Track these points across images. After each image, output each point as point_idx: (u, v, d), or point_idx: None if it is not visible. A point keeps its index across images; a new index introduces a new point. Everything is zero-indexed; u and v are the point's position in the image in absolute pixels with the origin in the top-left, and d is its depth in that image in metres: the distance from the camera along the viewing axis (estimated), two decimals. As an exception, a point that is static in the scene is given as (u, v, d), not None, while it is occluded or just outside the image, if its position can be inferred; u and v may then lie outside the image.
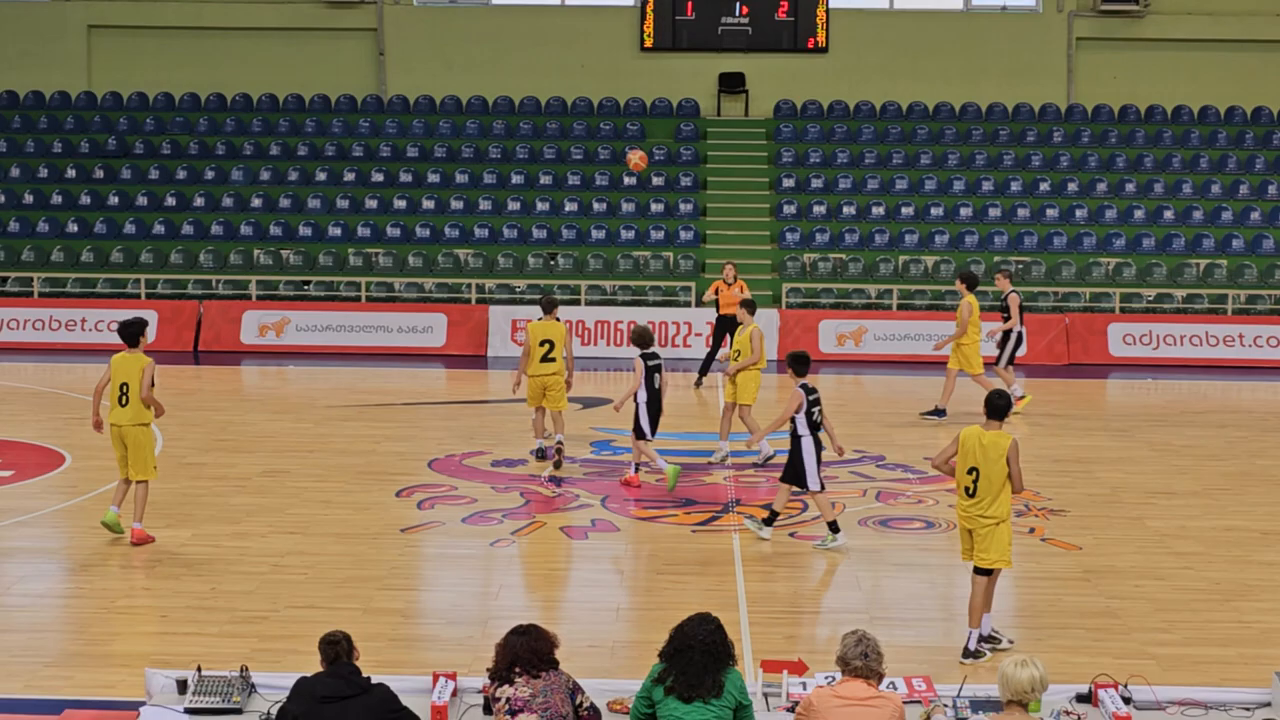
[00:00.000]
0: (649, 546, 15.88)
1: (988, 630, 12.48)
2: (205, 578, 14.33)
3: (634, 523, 16.80)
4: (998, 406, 12.38)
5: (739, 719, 8.54)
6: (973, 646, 12.27)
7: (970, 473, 12.20)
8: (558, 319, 20.11)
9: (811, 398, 15.66)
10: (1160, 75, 38.34)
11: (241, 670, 9.42)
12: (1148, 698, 9.33)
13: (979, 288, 24.15)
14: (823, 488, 15.73)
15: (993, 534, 12.18)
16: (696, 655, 8.49)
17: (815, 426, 15.65)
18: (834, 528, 15.68)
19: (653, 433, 18.37)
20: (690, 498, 17.97)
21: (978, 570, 12.32)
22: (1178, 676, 11.36)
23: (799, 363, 15.90)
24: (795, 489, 15.93)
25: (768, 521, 16.10)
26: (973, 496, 12.20)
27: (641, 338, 18.67)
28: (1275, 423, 23.74)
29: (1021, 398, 24.09)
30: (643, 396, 18.36)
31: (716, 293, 26.92)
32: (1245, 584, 14.61)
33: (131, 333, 15.72)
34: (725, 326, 26.91)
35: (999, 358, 24.27)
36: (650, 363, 18.45)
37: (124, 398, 15.51)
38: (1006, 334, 24.27)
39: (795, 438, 15.65)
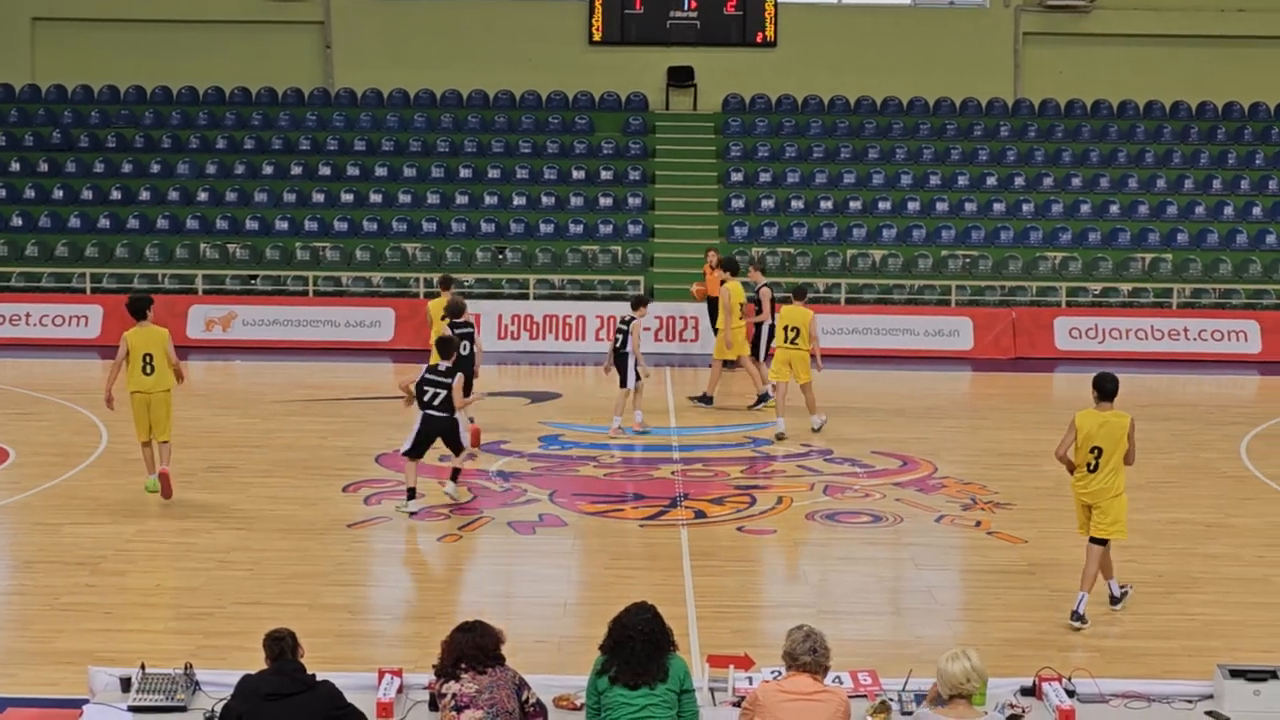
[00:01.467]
0: (596, 541, 15.87)
1: (1118, 591, 13.66)
2: (150, 574, 14.25)
3: (581, 517, 16.78)
4: (1108, 389, 13.22)
5: (682, 703, 8.60)
6: (1081, 610, 13.07)
7: (1093, 451, 13.18)
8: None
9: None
10: (1106, 70, 38.53)
11: (185, 668, 9.36)
12: (1091, 690, 9.38)
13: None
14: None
15: (1113, 505, 13.27)
16: (638, 645, 8.56)
17: None
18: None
19: (467, 394, 18.02)
20: (639, 492, 17.98)
21: (1095, 540, 13.32)
22: (1121, 669, 11.43)
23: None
24: None
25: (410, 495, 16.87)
26: (1094, 472, 13.23)
27: (453, 310, 20.01)
28: (1219, 416, 23.91)
29: (766, 398, 23.45)
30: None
31: (704, 279, 27.41)
32: (1189, 576, 14.71)
33: (139, 307, 17.15)
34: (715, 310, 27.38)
35: (752, 351, 24.26)
36: (459, 331, 19.42)
37: (148, 367, 16.91)
38: (759, 327, 24.38)
39: None
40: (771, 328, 23.83)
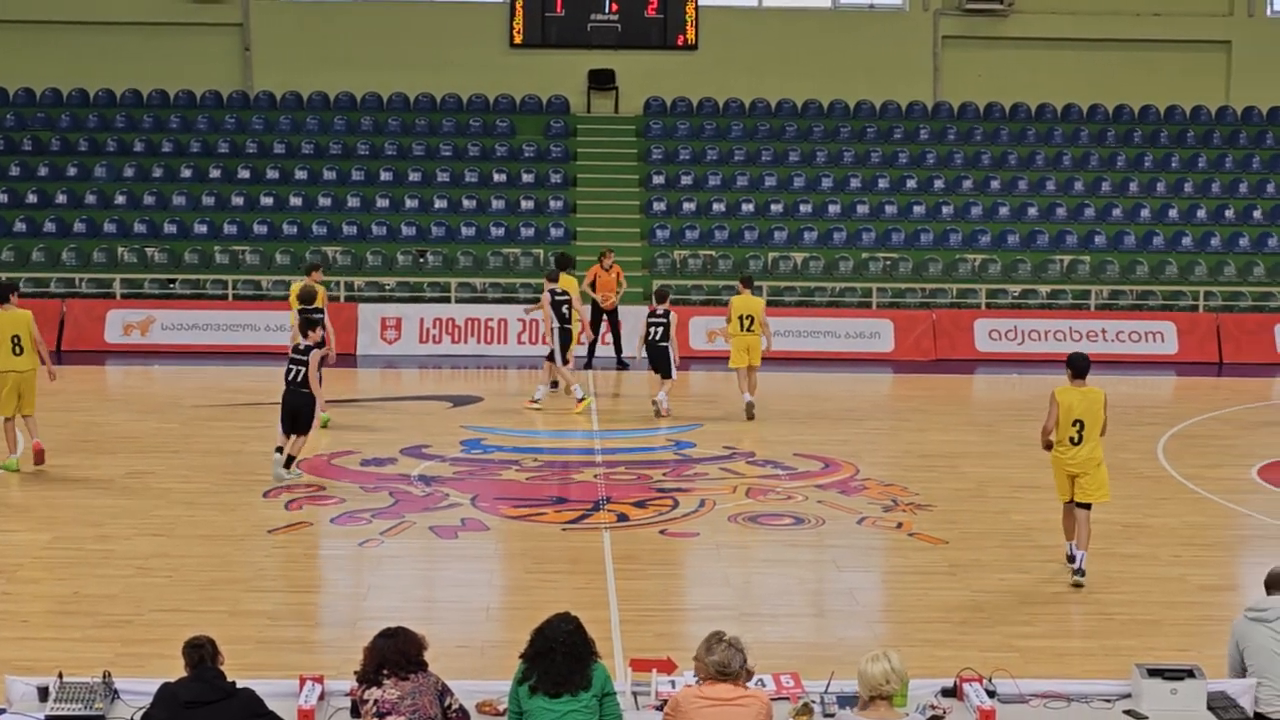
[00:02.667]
0: (519, 545, 15.84)
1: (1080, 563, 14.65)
2: (67, 582, 14.10)
3: (504, 521, 16.75)
4: (1081, 367, 14.60)
5: (604, 706, 8.62)
6: (1082, 565, 14.52)
7: (1075, 425, 14.45)
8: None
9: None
10: (1024, 74, 38.80)
11: (104, 676, 9.26)
12: (1011, 690, 9.43)
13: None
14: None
15: (1097, 473, 14.57)
16: (559, 657, 8.55)
17: None
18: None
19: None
20: (561, 496, 17.97)
21: (1080, 505, 14.62)
22: (1041, 669, 11.51)
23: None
24: None
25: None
26: (1078, 444, 14.48)
27: (303, 296, 21.32)
28: (1136, 417, 24.12)
29: (581, 399, 24.05)
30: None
31: (595, 278, 27.46)
32: (1107, 576, 14.83)
33: (4, 292, 18.71)
34: (603, 312, 27.51)
35: (551, 354, 24.58)
36: (310, 317, 20.08)
37: (17, 348, 18.50)
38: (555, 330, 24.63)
39: None
40: (568, 331, 24.50)
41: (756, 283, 31.84)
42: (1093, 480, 14.57)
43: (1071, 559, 14.75)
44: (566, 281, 24.98)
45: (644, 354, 24.09)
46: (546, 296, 24.04)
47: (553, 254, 31.16)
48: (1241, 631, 9.67)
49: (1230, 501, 18.24)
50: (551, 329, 24.18)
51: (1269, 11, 39.27)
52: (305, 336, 18.56)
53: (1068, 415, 14.45)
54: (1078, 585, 14.40)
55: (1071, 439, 14.48)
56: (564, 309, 24.16)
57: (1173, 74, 38.96)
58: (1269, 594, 9.81)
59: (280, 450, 18.32)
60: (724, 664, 8.40)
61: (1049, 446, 14.65)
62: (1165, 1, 38.67)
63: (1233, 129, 38.63)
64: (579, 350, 26.67)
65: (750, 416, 23.11)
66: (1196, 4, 38.96)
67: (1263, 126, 38.71)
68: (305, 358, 18.29)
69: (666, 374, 23.73)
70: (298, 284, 22.67)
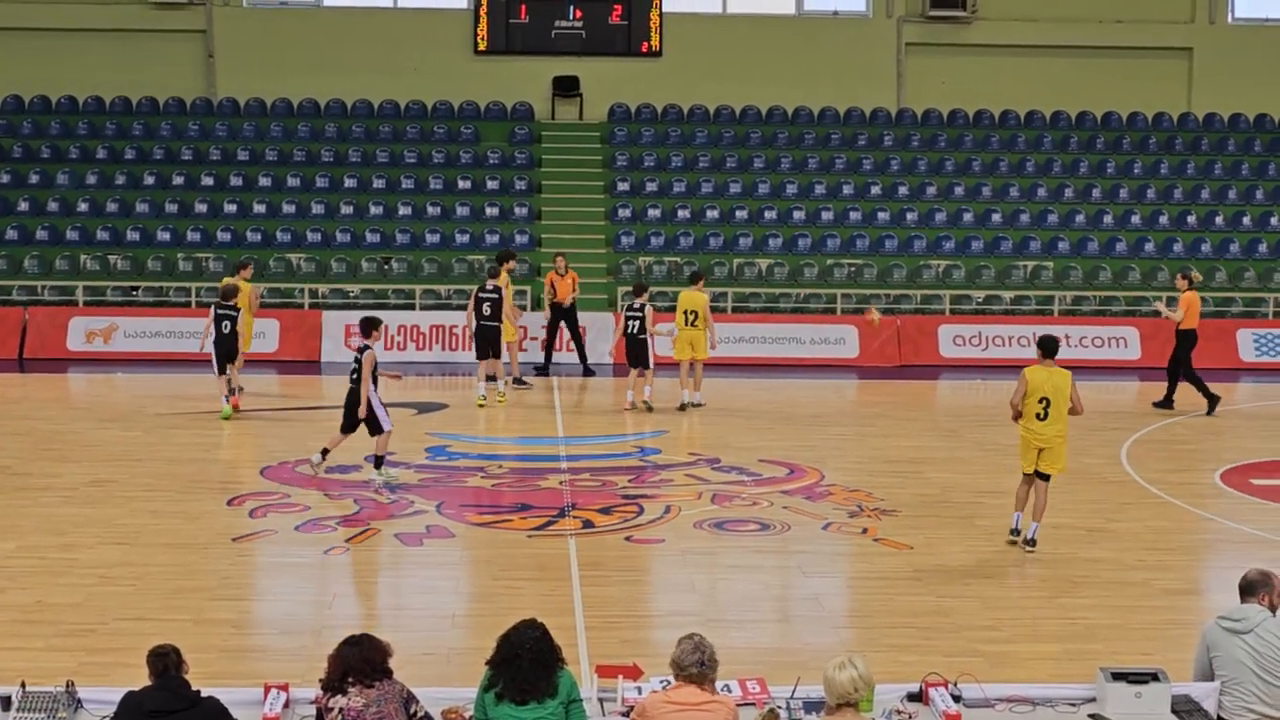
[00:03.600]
0: (485, 552, 15.81)
1: (1035, 534, 15.96)
2: (30, 590, 14.01)
3: (470, 528, 16.72)
4: (1051, 347, 15.97)
5: (570, 713, 8.62)
6: (1034, 536, 15.91)
7: (1041, 402, 15.77)
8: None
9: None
10: (987, 80, 38.97)
11: (67, 685, 9.21)
12: (977, 695, 9.45)
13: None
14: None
15: (1060, 447, 15.94)
16: (525, 664, 8.55)
17: None
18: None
19: (220, 370, 23.58)
20: (526, 502, 17.94)
21: (1042, 475, 16.00)
22: (1006, 673, 11.53)
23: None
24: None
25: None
26: (1044, 420, 15.81)
27: (222, 292, 24.18)
28: (1100, 422, 24.18)
29: (482, 398, 25.16)
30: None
31: (553, 285, 27.66)
32: (1071, 581, 14.89)
33: None
34: (559, 316, 27.70)
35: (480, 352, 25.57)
36: (222, 312, 23.59)
37: None
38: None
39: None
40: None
41: (721, 289, 32.01)
42: (1055, 454, 15.92)
43: (1015, 532, 16.10)
44: (506, 278, 26.12)
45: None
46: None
47: (517, 261, 31.28)
48: (1214, 638, 9.63)
49: (1193, 506, 18.32)
50: (470, 327, 25.47)
51: (1230, 18, 39.53)
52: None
53: (1035, 392, 15.77)
54: (1030, 551, 15.83)
55: (1038, 415, 15.80)
56: (485, 307, 25.00)
57: (1135, 80, 39.17)
58: (1243, 600, 9.77)
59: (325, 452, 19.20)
60: (677, 659, 8.44)
61: (1017, 417, 16.00)
62: (1127, 8, 38.90)
63: (1195, 135, 38.84)
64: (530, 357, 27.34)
65: (681, 408, 24.52)
66: (1158, 11, 39.18)
67: (1224, 133, 38.94)
68: (360, 356, 18.82)
69: (645, 365, 24.60)
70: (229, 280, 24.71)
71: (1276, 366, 31.56)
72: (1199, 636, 9.77)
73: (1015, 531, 16.12)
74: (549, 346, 29.05)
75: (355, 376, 18.84)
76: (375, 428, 18.81)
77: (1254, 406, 27.48)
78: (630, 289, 26.10)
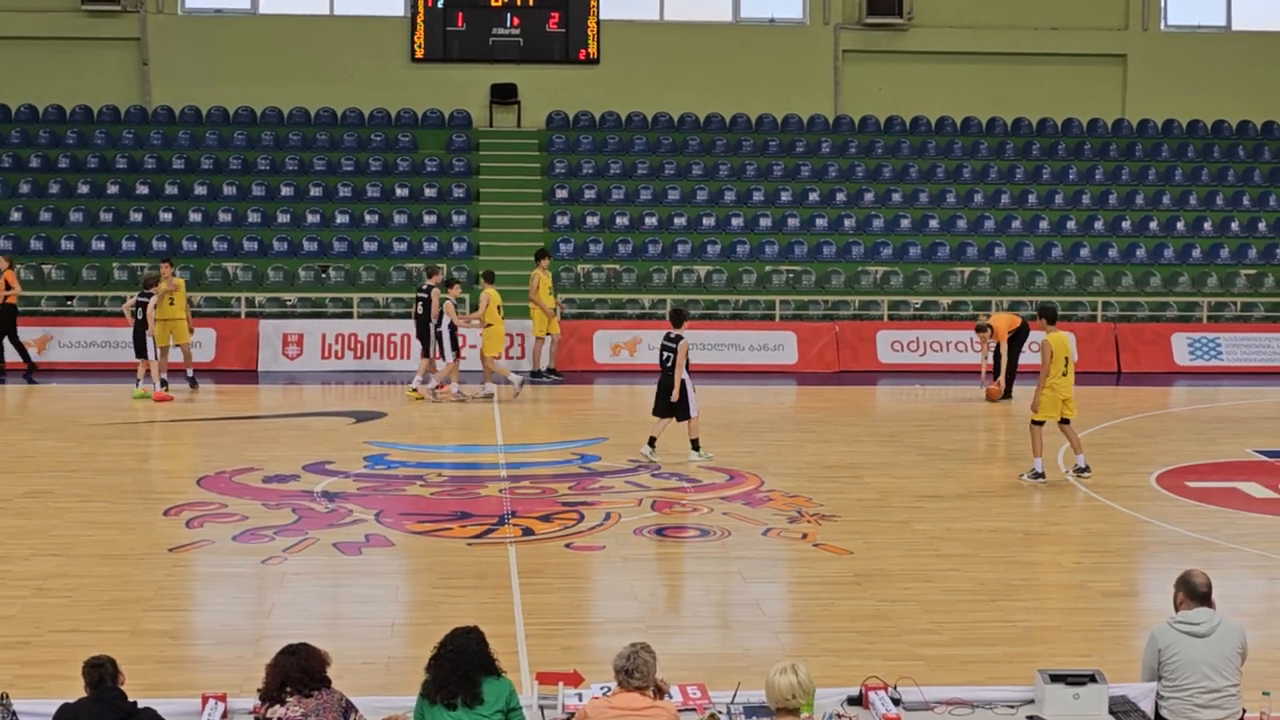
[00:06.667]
0: (424, 561, 15.75)
1: (1083, 463, 20.01)
2: (-37, 603, 13.88)
3: (409, 537, 16.65)
4: (1055, 312, 20.16)
5: None
6: (1083, 464, 20.01)
7: (1066, 360, 19.38)
8: None
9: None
10: (924, 87, 39.13)
11: (2, 698, 9.12)
12: (916, 698, 9.49)
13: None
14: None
15: (1073, 396, 19.73)
16: (445, 662, 8.63)
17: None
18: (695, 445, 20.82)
19: (139, 353, 26.58)
20: (466, 510, 17.89)
21: (1065, 421, 19.66)
22: (946, 676, 11.55)
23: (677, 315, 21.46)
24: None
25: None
26: (1066, 376, 19.37)
27: (144, 281, 26.95)
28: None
29: (437, 387, 26.82)
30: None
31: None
32: (1009, 584, 14.95)
33: None
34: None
35: (442, 350, 26.81)
36: (140, 299, 26.48)
37: None
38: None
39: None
40: (453, 329, 26.94)
41: (660, 296, 32.06)
42: (1072, 402, 19.58)
43: (1038, 475, 19.55)
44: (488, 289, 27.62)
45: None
46: (437, 295, 27.09)
47: (455, 269, 31.23)
48: (1167, 640, 9.54)
49: (1130, 509, 18.44)
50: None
51: (1163, 25, 39.85)
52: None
53: (1060, 352, 19.24)
54: (1088, 477, 19.74)
55: (1063, 372, 19.30)
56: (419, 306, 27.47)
57: (1070, 87, 39.45)
58: (1199, 603, 9.69)
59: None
60: (618, 665, 8.47)
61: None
62: (1062, 15, 39.16)
63: (1129, 141, 39.14)
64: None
65: (516, 394, 26.70)
66: (1092, 18, 39.45)
67: (1158, 139, 39.26)
68: (675, 345, 20.66)
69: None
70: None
71: (1210, 370, 31.83)
72: (1149, 638, 9.72)
73: (1038, 474, 19.51)
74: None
75: (669, 364, 20.48)
76: (684, 413, 20.56)
77: (1188, 410, 27.74)
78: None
